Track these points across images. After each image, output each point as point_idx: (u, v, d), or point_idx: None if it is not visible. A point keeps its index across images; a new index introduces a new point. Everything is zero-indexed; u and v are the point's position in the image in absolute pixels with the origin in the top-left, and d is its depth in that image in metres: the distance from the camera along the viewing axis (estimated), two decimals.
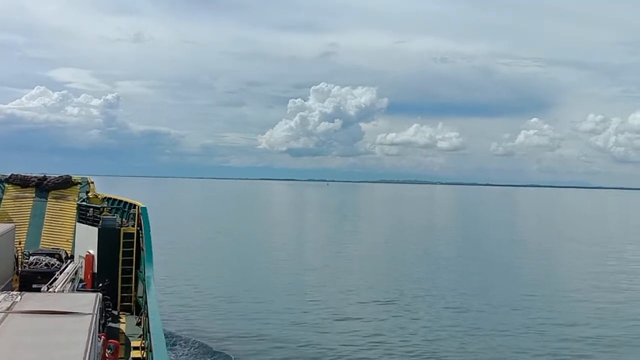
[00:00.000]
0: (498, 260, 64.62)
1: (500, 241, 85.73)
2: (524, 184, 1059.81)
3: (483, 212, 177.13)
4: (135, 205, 27.32)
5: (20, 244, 26.36)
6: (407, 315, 37.86)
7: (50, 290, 17.35)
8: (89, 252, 25.79)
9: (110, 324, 22.11)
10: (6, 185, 32.14)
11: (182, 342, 30.27)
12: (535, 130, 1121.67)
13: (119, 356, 18.60)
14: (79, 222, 28.51)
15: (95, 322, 11.35)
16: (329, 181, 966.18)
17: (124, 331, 22.42)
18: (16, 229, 25.11)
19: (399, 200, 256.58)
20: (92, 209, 27.94)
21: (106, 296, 21.39)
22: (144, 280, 22.75)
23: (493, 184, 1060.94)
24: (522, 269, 59.09)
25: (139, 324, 22.52)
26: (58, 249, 27.17)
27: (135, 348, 20.01)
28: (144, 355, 18.13)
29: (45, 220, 30.74)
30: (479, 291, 46.01)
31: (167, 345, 15.88)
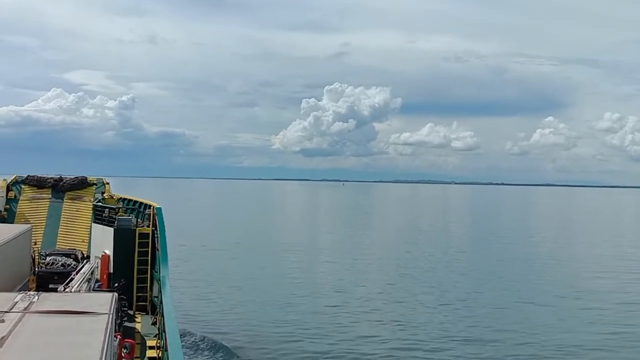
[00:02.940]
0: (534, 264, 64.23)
1: (535, 244, 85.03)
2: (539, 183, 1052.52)
3: (509, 212, 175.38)
4: (150, 206, 27.45)
5: (36, 244, 26.58)
6: (424, 320, 37.71)
7: (66, 290, 17.47)
8: (105, 253, 25.95)
9: (126, 324, 22.23)
10: (23, 186, 32.43)
11: (197, 341, 30.36)
12: (551, 129, 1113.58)
13: (135, 356, 18.69)
14: (95, 222, 28.68)
15: (111, 322, 11.40)
16: (344, 181, 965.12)
17: (140, 331, 22.53)
18: (33, 230, 25.32)
19: (421, 200, 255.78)
20: (107, 210, 28.10)
21: (122, 296, 21.50)
22: (159, 280, 22.84)
23: (508, 183, 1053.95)
24: (554, 272, 58.66)
25: (154, 324, 22.62)
26: (74, 249, 27.37)
27: (151, 347, 20.10)
28: (160, 355, 18.19)
29: (61, 221, 30.98)
30: (500, 294, 45.79)
31: (182, 345, 15.93)
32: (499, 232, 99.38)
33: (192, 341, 30.20)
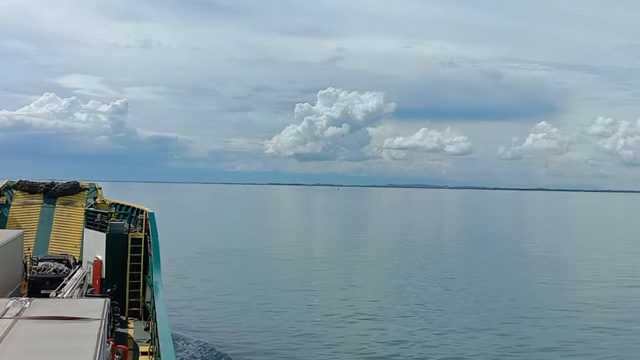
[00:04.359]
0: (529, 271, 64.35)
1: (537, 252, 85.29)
2: (532, 188, 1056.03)
3: (502, 217, 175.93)
4: (142, 211, 27.38)
5: (28, 249, 26.47)
6: (420, 328, 37.73)
7: (58, 295, 17.40)
8: (97, 258, 25.86)
9: (119, 330, 22.15)
10: (14, 191, 32.29)
11: (190, 347, 30.26)
12: (544, 134, 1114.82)
13: None
14: (87, 227, 28.60)
15: (104, 328, 11.37)
16: (338, 186, 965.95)
17: (132, 336, 22.46)
18: (24, 235, 25.22)
19: (415, 205, 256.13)
20: (100, 215, 28.02)
21: (114, 301, 21.45)
22: (152, 286, 22.80)
23: (501, 187, 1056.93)
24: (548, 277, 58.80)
25: (147, 329, 22.55)
26: (66, 254, 27.25)
27: (144, 353, 20.04)
28: None
29: (53, 226, 30.86)
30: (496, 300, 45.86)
31: (175, 351, 15.88)
32: (493, 236, 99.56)
33: (185, 347, 30.09)
